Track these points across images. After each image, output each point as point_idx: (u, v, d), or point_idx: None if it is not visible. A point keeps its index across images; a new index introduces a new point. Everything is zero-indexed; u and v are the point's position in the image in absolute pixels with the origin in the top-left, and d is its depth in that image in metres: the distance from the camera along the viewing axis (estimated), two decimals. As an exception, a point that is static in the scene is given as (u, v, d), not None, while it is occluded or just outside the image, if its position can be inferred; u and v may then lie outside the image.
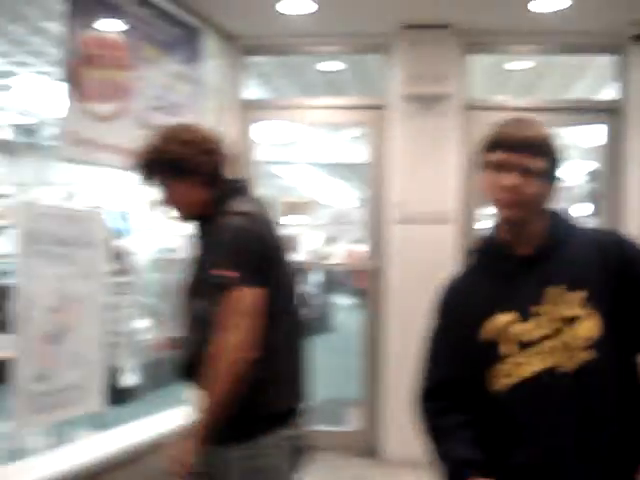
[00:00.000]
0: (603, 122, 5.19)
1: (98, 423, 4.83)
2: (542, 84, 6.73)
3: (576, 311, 1.73)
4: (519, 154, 1.78)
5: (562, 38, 5.11)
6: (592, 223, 5.28)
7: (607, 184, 5.18)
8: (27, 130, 10.99)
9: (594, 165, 6.09)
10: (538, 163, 1.77)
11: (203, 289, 2.16)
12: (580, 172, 7.03)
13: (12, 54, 7.46)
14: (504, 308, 1.81)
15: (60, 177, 10.55)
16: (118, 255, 6.15)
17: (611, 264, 1.77)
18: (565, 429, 1.72)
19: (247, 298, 2.07)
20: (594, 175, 5.90)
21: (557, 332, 1.74)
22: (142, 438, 4.46)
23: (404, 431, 4.90)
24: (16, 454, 4.28)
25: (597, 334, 1.72)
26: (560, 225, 1.87)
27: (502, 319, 1.81)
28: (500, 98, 6.12)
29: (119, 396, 6.35)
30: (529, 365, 1.76)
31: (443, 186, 5.11)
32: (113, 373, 5.45)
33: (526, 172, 1.77)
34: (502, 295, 1.84)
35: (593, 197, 5.78)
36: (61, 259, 3.64)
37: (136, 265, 7.27)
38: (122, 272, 6.07)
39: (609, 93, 5.63)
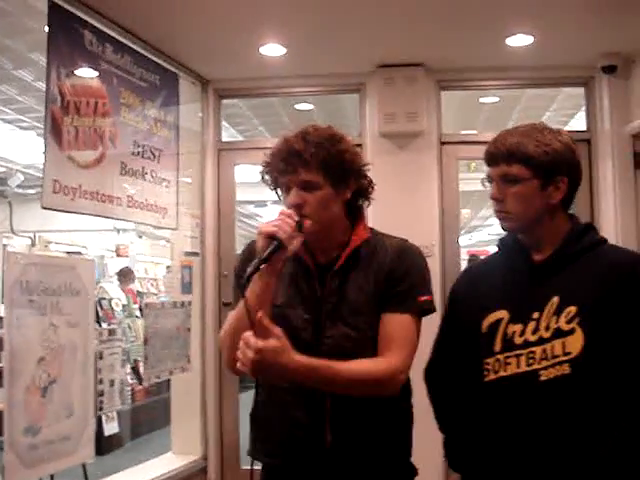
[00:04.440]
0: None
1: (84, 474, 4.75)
2: (512, 116, 6.87)
3: (568, 325, 1.76)
4: (495, 167, 1.90)
5: (533, 72, 5.22)
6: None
7: (577, 213, 5.23)
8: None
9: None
10: (513, 170, 1.84)
11: (370, 307, 1.98)
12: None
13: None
14: (503, 306, 1.88)
15: (29, 225, 10.51)
16: (99, 302, 6.11)
17: (620, 288, 1.78)
18: (531, 435, 1.77)
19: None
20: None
21: (544, 341, 1.78)
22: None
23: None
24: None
25: (578, 351, 1.74)
26: (577, 236, 1.89)
27: (497, 315, 1.88)
28: (471, 132, 6.23)
29: (102, 445, 6.26)
30: (510, 365, 1.82)
31: (423, 220, 5.15)
32: (97, 422, 5.38)
33: (505, 182, 1.86)
34: (507, 293, 1.90)
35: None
36: (49, 308, 3.59)
37: (115, 311, 7.23)
38: (104, 319, 6.02)
39: (577, 123, 5.75)
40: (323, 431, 1.95)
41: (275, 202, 2.05)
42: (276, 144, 2.01)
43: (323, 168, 1.96)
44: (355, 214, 2.11)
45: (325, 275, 2.01)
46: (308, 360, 1.80)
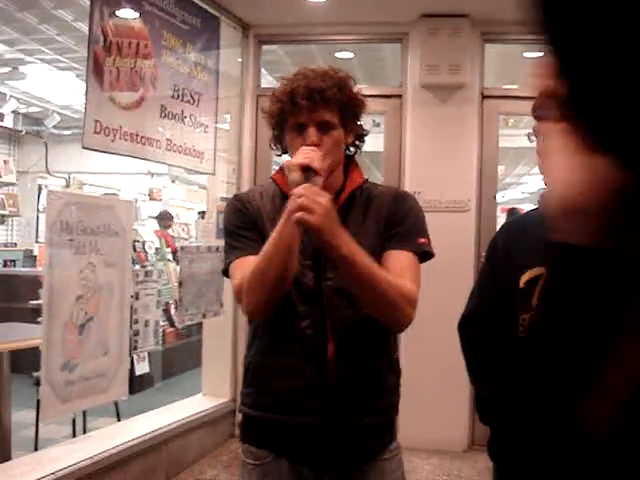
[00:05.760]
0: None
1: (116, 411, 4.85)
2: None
3: None
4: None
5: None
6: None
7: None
8: (33, 119, 10.96)
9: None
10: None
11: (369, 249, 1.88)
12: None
13: (21, 42, 7.39)
14: (542, 263, 1.81)
15: (64, 166, 10.57)
16: (133, 244, 6.14)
17: None
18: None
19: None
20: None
21: None
22: (159, 427, 4.47)
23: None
24: (39, 443, 4.30)
25: None
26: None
27: (535, 272, 1.84)
28: (513, 87, 6.10)
29: (133, 384, 6.37)
30: None
31: (460, 175, 5.10)
32: (130, 362, 5.46)
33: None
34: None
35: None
36: (88, 248, 3.63)
37: (148, 254, 7.28)
38: (137, 261, 6.07)
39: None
40: (326, 382, 1.91)
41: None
42: (288, 83, 1.93)
43: (340, 109, 1.93)
44: (348, 160, 2.06)
45: None
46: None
